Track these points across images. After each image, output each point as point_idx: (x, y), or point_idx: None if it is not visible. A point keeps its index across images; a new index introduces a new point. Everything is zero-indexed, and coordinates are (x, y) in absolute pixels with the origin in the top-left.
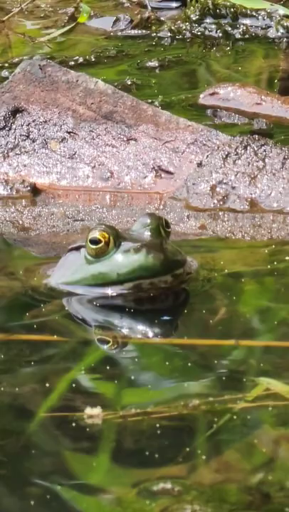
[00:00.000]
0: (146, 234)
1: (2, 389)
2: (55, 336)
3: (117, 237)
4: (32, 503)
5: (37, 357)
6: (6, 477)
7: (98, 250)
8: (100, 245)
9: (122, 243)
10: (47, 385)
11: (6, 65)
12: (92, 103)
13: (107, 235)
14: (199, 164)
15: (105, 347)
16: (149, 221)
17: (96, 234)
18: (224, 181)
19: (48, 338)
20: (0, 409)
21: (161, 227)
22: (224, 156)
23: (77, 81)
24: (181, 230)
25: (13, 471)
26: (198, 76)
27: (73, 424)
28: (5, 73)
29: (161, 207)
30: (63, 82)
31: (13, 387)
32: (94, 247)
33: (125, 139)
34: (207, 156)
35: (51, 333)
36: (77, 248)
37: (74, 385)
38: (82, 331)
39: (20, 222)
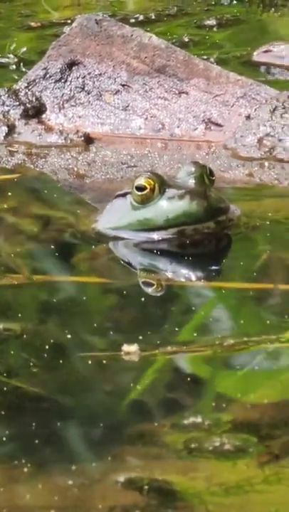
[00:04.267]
0: (191, 182)
1: (48, 327)
2: (101, 278)
3: (162, 184)
4: (69, 435)
5: (83, 298)
6: (45, 409)
7: (143, 197)
8: (146, 192)
9: (167, 190)
10: (92, 324)
11: (69, 21)
12: (145, 57)
13: (152, 182)
14: (248, 117)
15: (149, 289)
16: (193, 169)
17: (142, 181)
18: (271, 134)
19: (94, 280)
20: (44, 347)
21: (205, 175)
22: (272, 110)
23: (131, 35)
24: (229, 178)
25: (53, 404)
26: (255, 35)
27: (111, 362)
28: (67, 29)
29: (210, 156)
30: (118, 36)
31: (59, 327)
32: (139, 193)
33: (177, 92)
34: (255, 109)
35: (97, 275)
36: (124, 195)
37: (115, 324)
38: (127, 273)
39: (75, 169)
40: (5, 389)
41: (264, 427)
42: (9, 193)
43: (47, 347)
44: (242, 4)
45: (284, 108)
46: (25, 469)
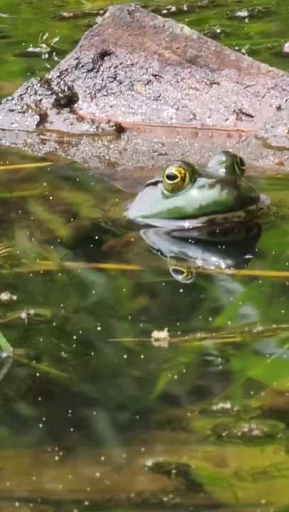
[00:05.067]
0: (221, 171)
1: (78, 313)
2: (132, 266)
3: (192, 173)
4: (98, 420)
5: (113, 285)
6: (74, 394)
7: (174, 185)
8: (176, 181)
9: (198, 179)
10: (122, 310)
11: (101, 12)
12: (177, 47)
13: (183, 171)
14: (278, 108)
15: (179, 277)
16: (224, 158)
17: (172, 169)
18: None
19: (125, 267)
20: (74, 333)
21: (235, 164)
22: None
23: (163, 26)
24: (259, 168)
25: (82, 389)
26: (286, 26)
27: (141, 347)
28: (99, 20)
29: (241, 146)
30: (150, 26)
31: (89, 313)
32: (170, 182)
33: (208, 82)
34: (286, 100)
35: (128, 262)
36: (155, 183)
37: (145, 311)
38: (158, 261)
39: (106, 157)
40: (35, 374)
41: None
42: (41, 181)
43: (76, 333)
44: None
45: None
46: (55, 454)
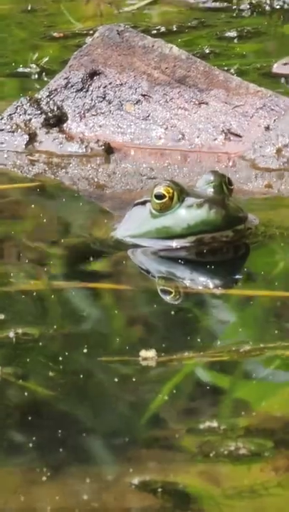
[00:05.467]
0: (209, 190)
1: (65, 333)
2: (120, 285)
3: (180, 193)
4: (86, 438)
5: (101, 304)
6: (62, 413)
7: (162, 205)
8: (164, 200)
9: (186, 198)
10: (110, 330)
11: (91, 32)
12: (166, 67)
13: (171, 190)
14: (267, 128)
15: (167, 297)
16: (212, 178)
17: (161, 189)
18: None
19: (113, 286)
20: (61, 352)
21: (224, 184)
22: None
23: (153, 46)
24: (247, 189)
25: (70, 407)
26: (275, 47)
27: (129, 367)
28: (89, 40)
29: (229, 166)
30: (140, 46)
31: (76, 332)
32: (158, 201)
33: (197, 102)
34: (274, 120)
35: (115, 282)
36: (143, 203)
37: (133, 330)
38: (146, 280)
39: (95, 178)
40: (23, 393)
41: (279, 432)
42: (29, 202)
43: (64, 352)
44: (262, 17)
45: None
46: (43, 472)
